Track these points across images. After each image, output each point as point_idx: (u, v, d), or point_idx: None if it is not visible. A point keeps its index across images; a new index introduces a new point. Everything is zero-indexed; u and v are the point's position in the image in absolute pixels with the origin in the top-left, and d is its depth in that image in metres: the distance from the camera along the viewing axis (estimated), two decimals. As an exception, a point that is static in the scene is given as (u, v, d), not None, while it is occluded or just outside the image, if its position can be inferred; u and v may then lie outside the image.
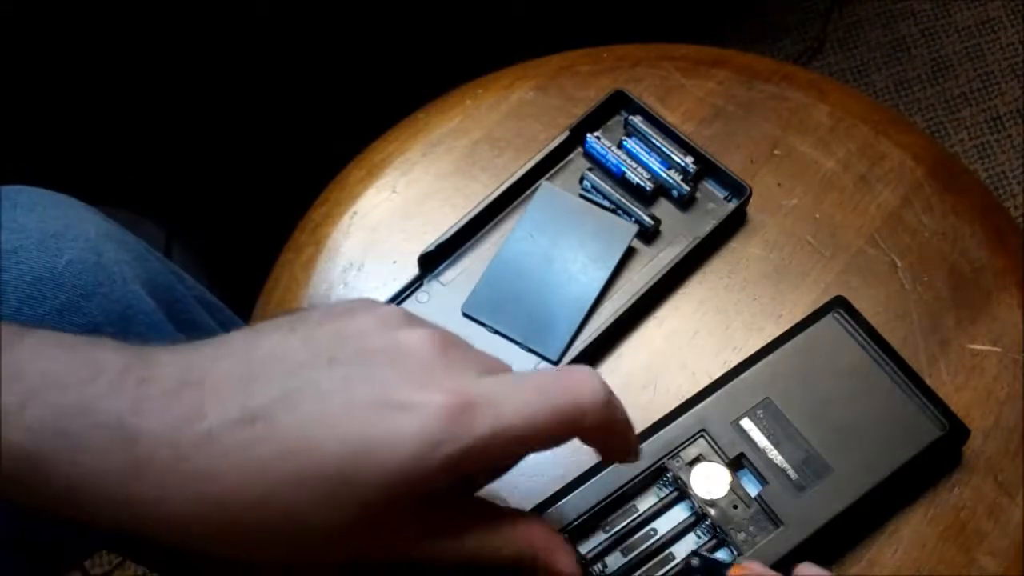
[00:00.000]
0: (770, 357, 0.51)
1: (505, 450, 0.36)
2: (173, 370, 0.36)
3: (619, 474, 0.48)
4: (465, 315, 0.55)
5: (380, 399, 0.35)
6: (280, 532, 0.35)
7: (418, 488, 0.35)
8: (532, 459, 0.49)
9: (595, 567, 0.46)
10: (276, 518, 0.35)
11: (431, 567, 0.39)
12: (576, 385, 0.38)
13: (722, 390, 0.50)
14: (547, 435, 0.37)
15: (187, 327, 0.63)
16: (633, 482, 0.48)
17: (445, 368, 0.37)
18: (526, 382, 0.37)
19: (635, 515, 0.48)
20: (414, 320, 0.39)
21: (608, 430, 0.39)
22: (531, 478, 0.50)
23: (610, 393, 0.38)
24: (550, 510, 0.47)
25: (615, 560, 0.47)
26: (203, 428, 0.35)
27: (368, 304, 0.40)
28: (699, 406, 0.49)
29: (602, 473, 0.48)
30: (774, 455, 0.48)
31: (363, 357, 0.37)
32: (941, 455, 0.50)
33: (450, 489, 0.38)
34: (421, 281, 0.56)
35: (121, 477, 0.35)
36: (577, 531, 0.47)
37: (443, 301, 0.55)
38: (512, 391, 0.37)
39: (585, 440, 0.39)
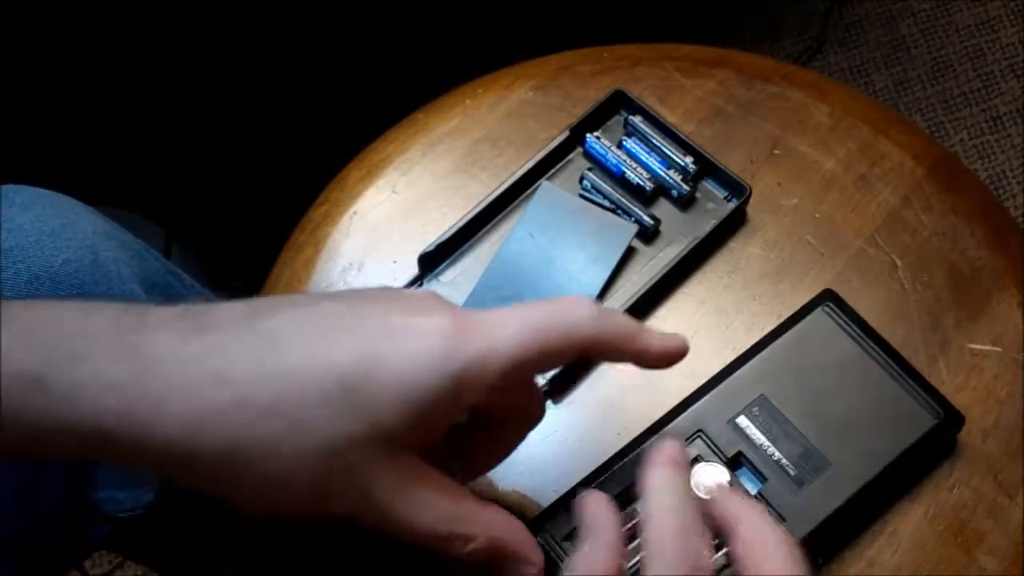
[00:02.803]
0: (763, 354, 0.51)
1: (504, 370, 0.37)
2: (171, 307, 0.37)
3: (619, 477, 0.48)
4: (465, 315, 0.55)
5: (384, 322, 0.37)
6: (286, 444, 0.35)
7: (425, 410, 0.36)
8: (532, 461, 0.49)
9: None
10: (286, 427, 0.35)
11: (396, 543, 0.39)
12: (563, 303, 0.39)
13: (717, 389, 0.50)
14: (542, 350, 0.38)
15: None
16: (633, 485, 0.48)
17: (441, 302, 0.39)
18: (518, 306, 0.39)
19: (636, 518, 0.48)
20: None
21: (608, 339, 0.40)
22: (531, 478, 0.50)
23: (603, 308, 0.40)
24: (553, 516, 0.47)
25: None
26: (212, 339, 0.35)
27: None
28: (695, 406, 0.49)
29: (603, 477, 0.48)
30: (772, 452, 0.48)
31: (364, 295, 0.39)
32: (937, 443, 0.50)
33: (445, 452, 0.39)
34: (421, 281, 0.56)
35: (122, 385, 0.34)
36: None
37: (443, 301, 0.55)
38: (503, 313, 0.38)
39: (595, 356, 0.42)
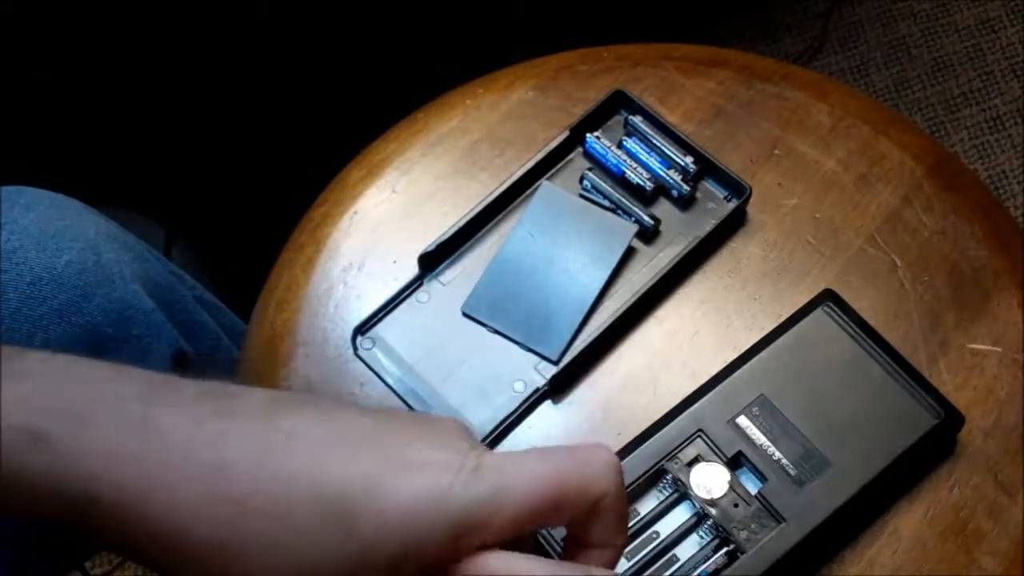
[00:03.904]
0: (763, 354, 0.51)
1: (514, 518, 0.35)
2: (197, 386, 0.36)
3: None
4: (465, 315, 0.55)
5: (398, 449, 0.36)
6: (272, 551, 0.34)
7: (419, 546, 0.34)
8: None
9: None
10: (274, 532, 0.34)
11: None
12: (587, 454, 0.36)
13: (717, 389, 0.50)
14: (552, 502, 0.35)
15: (187, 327, 0.63)
16: (633, 486, 0.48)
17: (463, 439, 0.37)
18: (535, 451, 0.37)
19: (637, 518, 0.48)
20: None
21: (618, 511, 0.37)
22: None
23: (620, 472, 0.37)
24: None
25: (619, 565, 0.47)
26: (224, 426, 0.35)
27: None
28: (695, 406, 0.49)
29: None
30: (772, 452, 0.48)
31: (396, 418, 0.38)
32: (937, 443, 0.50)
33: None
34: (421, 281, 0.56)
35: (123, 456, 0.34)
36: None
37: (443, 301, 0.55)
38: (521, 459, 0.36)
39: (585, 526, 0.37)
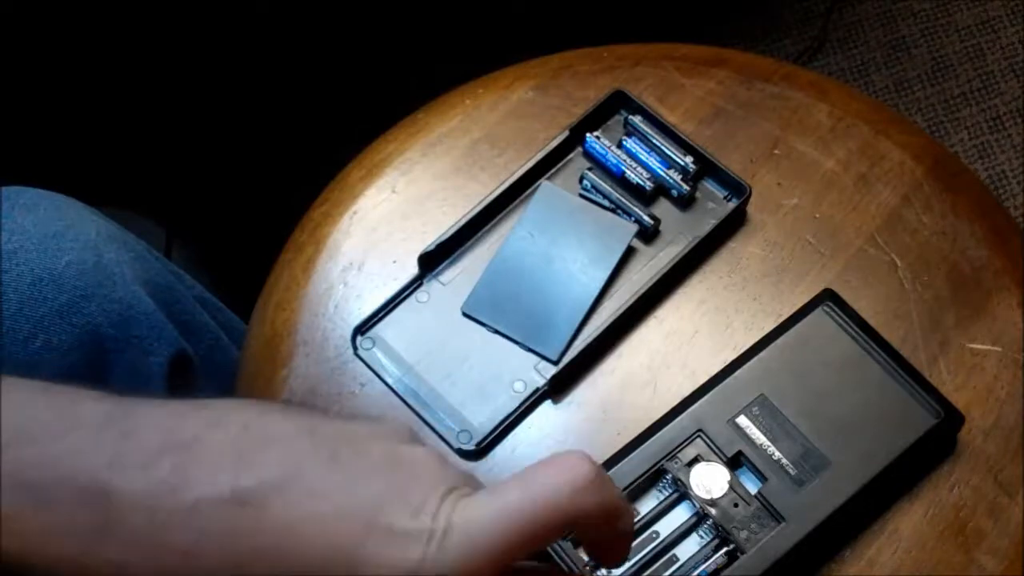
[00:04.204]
0: (763, 353, 0.51)
1: (487, 570, 0.34)
2: (158, 430, 0.34)
3: (619, 479, 0.48)
4: (465, 315, 0.55)
5: (370, 518, 0.34)
6: None
7: None
8: (530, 462, 0.48)
9: (600, 571, 0.46)
10: None
11: None
12: (559, 478, 0.35)
13: (717, 389, 0.50)
14: (528, 541, 0.34)
15: (187, 327, 0.63)
16: (633, 486, 0.48)
17: (440, 484, 0.35)
18: (508, 485, 0.35)
19: (637, 518, 0.48)
20: (418, 439, 0.38)
21: (607, 515, 0.36)
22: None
23: (601, 472, 0.35)
24: None
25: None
26: (187, 500, 0.33)
27: (378, 417, 0.38)
28: (695, 406, 0.49)
29: None
30: (772, 451, 0.48)
31: (363, 462, 0.35)
32: (937, 442, 0.50)
33: None
34: (421, 281, 0.56)
35: (87, 538, 0.33)
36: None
37: (443, 301, 0.55)
38: (490, 502, 0.34)
39: (581, 531, 0.36)
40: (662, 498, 0.48)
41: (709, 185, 0.58)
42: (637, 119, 0.58)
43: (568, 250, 0.56)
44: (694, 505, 0.47)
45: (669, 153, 0.57)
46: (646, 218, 0.56)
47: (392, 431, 0.37)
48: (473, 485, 0.36)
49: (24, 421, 0.34)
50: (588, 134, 0.58)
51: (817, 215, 0.57)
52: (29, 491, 0.33)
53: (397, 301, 0.55)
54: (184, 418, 0.35)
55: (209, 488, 0.33)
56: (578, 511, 0.34)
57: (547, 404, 0.53)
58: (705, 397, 0.50)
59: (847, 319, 0.51)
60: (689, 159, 0.57)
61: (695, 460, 0.48)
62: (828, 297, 0.52)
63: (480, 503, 0.35)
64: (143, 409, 0.35)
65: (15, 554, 0.33)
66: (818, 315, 0.52)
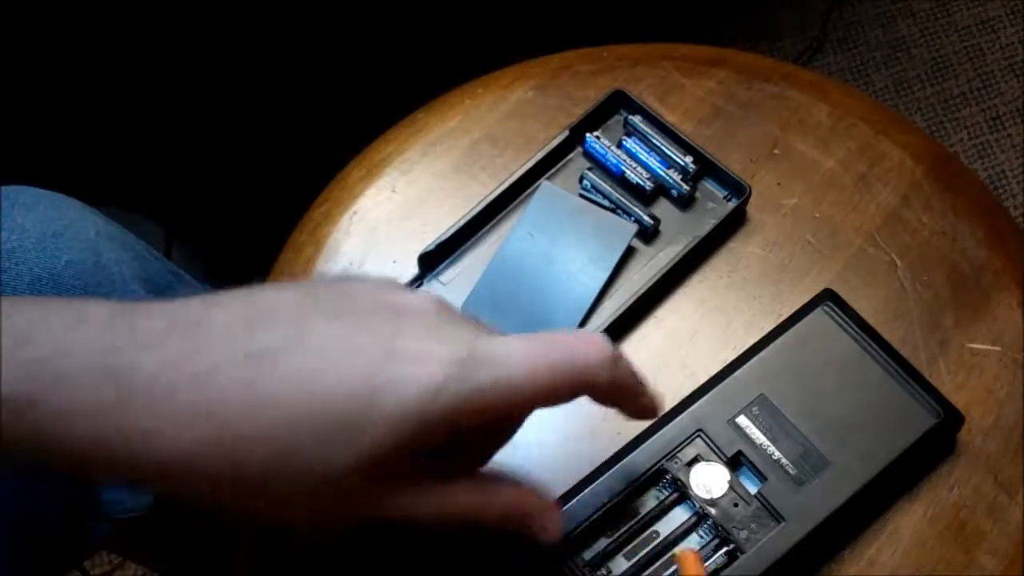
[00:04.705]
0: (763, 353, 0.51)
1: (507, 403, 0.36)
2: (163, 316, 0.36)
3: (619, 478, 0.48)
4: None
5: (384, 348, 0.36)
6: (277, 475, 0.35)
7: (419, 438, 0.35)
8: (531, 461, 0.49)
9: (600, 572, 0.46)
10: (276, 457, 0.34)
11: (420, 530, 0.39)
12: (581, 344, 0.38)
13: (717, 389, 0.50)
14: (549, 390, 0.37)
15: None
16: (633, 485, 0.48)
17: (446, 324, 0.37)
18: (531, 339, 0.38)
19: (637, 518, 0.48)
20: (410, 288, 0.40)
21: (617, 390, 0.40)
22: (530, 479, 0.50)
23: (618, 354, 0.39)
24: None
25: (619, 564, 0.47)
26: (204, 364, 0.34)
27: (364, 275, 0.40)
28: (695, 406, 0.49)
29: (602, 478, 0.48)
30: (772, 451, 0.48)
31: (365, 312, 0.37)
32: (937, 442, 0.50)
33: (451, 448, 0.38)
34: (421, 281, 0.56)
35: (110, 412, 0.33)
36: (580, 537, 0.47)
37: (443, 301, 0.55)
38: (516, 346, 0.37)
39: (596, 399, 0.40)
40: (662, 498, 0.48)
41: (709, 185, 0.58)
42: (637, 119, 0.58)
43: (568, 250, 0.56)
44: (694, 505, 0.47)
45: (669, 153, 0.57)
46: (646, 218, 0.56)
47: (386, 282, 0.39)
48: (484, 327, 0.39)
49: (32, 323, 0.34)
50: (588, 134, 0.58)
51: (817, 215, 0.57)
52: (44, 378, 0.33)
53: (397, 301, 0.55)
54: (186, 305, 0.36)
55: (223, 353, 0.35)
56: (597, 364, 0.38)
57: (547, 404, 0.53)
58: (705, 397, 0.50)
59: (847, 319, 0.51)
60: (689, 159, 0.57)
61: (695, 460, 0.48)
62: (828, 297, 0.52)
63: (504, 340, 0.37)
64: (144, 304, 0.36)
65: (34, 442, 0.34)
66: (818, 315, 0.52)
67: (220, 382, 0.34)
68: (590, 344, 0.38)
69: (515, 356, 0.37)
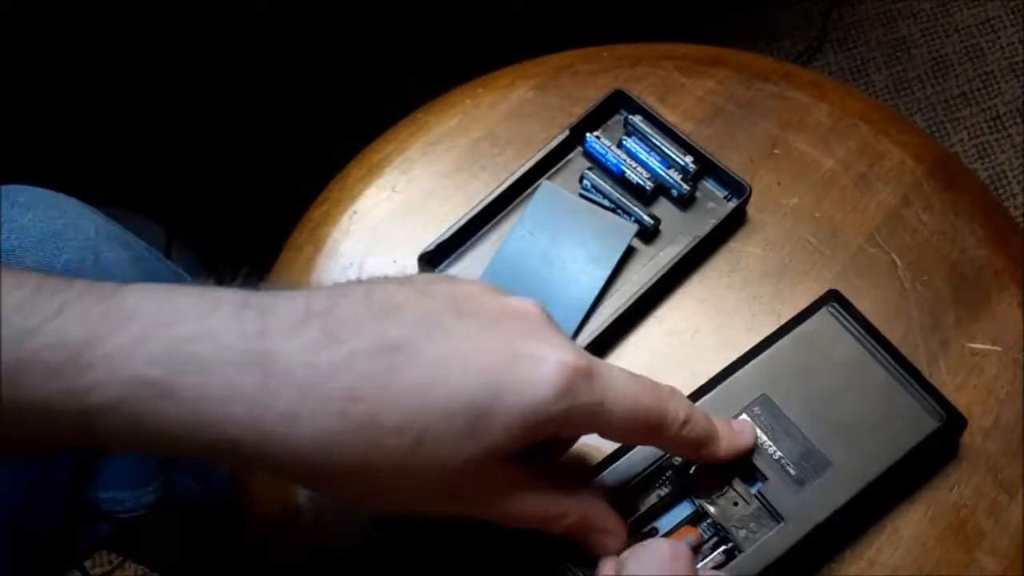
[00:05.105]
0: (766, 353, 0.51)
1: (608, 423, 0.39)
2: (293, 304, 0.37)
3: (619, 476, 0.48)
4: (465, 314, 0.55)
5: (513, 349, 0.38)
6: (406, 463, 0.36)
7: (533, 438, 0.38)
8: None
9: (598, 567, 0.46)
10: (413, 446, 0.36)
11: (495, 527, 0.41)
12: (669, 396, 0.42)
13: (719, 387, 0.50)
14: (638, 426, 0.41)
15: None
16: (633, 483, 0.48)
17: (556, 331, 0.40)
18: (639, 377, 0.41)
19: (636, 515, 0.48)
20: (508, 291, 0.42)
21: (683, 448, 0.45)
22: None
23: (693, 411, 0.43)
24: None
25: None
26: (342, 351, 0.36)
27: (455, 276, 0.44)
28: (696, 404, 0.49)
29: (601, 475, 0.48)
30: (773, 451, 0.48)
31: (486, 314, 0.39)
32: (939, 446, 0.50)
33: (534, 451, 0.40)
34: (421, 280, 0.56)
35: (252, 396, 0.34)
36: None
37: (443, 300, 0.55)
38: (626, 377, 0.40)
39: (666, 451, 0.46)
40: (662, 495, 0.48)
41: (709, 185, 0.58)
42: (637, 119, 0.58)
43: (568, 250, 0.56)
44: (693, 503, 0.47)
45: (669, 153, 0.57)
46: (646, 218, 0.56)
47: (489, 286, 0.41)
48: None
49: (167, 306, 0.35)
50: (588, 134, 0.58)
51: (817, 215, 0.57)
52: (186, 362, 0.34)
53: (397, 301, 0.55)
54: (312, 295, 0.38)
55: (360, 340, 0.36)
56: (684, 417, 0.42)
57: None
58: (706, 396, 0.50)
59: (852, 320, 0.51)
60: (689, 159, 0.57)
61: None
62: (833, 298, 0.52)
63: (618, 368, 0.41)
64: (270, 293, 0.37)
65: (186, 423, 0.34)
66: (823, 315, 0.51)
67: (360, 367, 0.36)
68: (674, 402, 0.42)
69: (625, 384, 0.40)
